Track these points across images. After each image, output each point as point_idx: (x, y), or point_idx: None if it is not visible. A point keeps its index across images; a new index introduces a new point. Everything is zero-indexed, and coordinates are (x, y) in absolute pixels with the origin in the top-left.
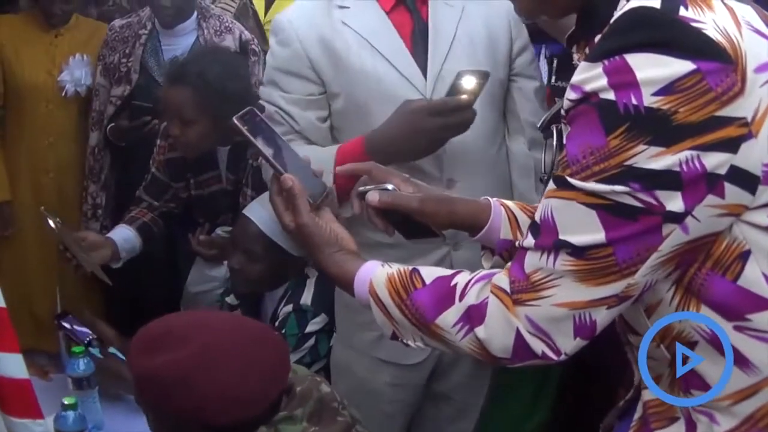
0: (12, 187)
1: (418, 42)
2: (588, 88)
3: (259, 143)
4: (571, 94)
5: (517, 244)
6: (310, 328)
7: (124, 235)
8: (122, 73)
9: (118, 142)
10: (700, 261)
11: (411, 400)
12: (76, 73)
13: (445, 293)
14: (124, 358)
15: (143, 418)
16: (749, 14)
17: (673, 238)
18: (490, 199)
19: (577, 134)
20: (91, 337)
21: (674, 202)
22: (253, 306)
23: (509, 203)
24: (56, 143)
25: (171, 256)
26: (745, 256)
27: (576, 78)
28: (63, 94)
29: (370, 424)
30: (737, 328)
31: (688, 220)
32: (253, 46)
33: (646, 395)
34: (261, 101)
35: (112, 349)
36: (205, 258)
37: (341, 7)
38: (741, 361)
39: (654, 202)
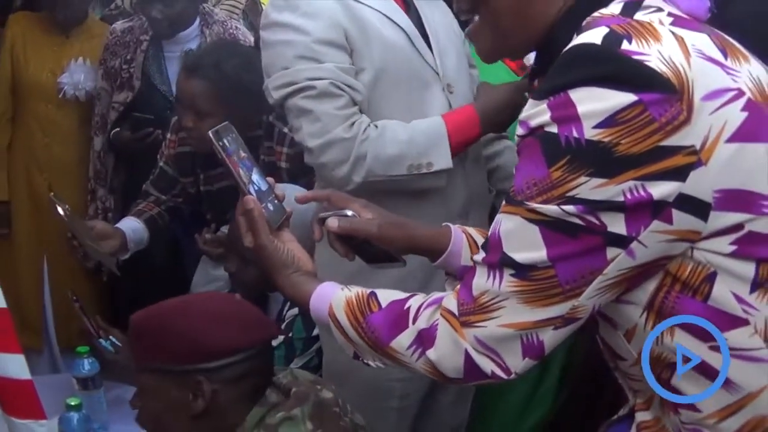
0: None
1: (415, 24)
2: (533, 123)
3: (231, 161)
4: (519, 130)
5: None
6: (317, 331)
7: (132, 226)
8: (124, 80)
9: (122, 150)
10: (669, 284)
11: (422, 391)
12: (76, 77)
13: (398, 317)
14: None
15: None
16: (702, 42)
17: (619, 262)
18: (450, 225)
19: (522, 166)
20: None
21: (616, 224)
22: (258, 307)
23: (470, 229)
24: (52, 144)
25: (176, 258)
26: (711, 277)
27: (523, 114)
28: (61, 95)
29: (382, 424)
30: (713, 348)
31: (634, 245)
32: None
33: (639, 417)
34: (305, 80)
35: None
36: (212, 257)
37: None
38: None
39: (595, 221)
